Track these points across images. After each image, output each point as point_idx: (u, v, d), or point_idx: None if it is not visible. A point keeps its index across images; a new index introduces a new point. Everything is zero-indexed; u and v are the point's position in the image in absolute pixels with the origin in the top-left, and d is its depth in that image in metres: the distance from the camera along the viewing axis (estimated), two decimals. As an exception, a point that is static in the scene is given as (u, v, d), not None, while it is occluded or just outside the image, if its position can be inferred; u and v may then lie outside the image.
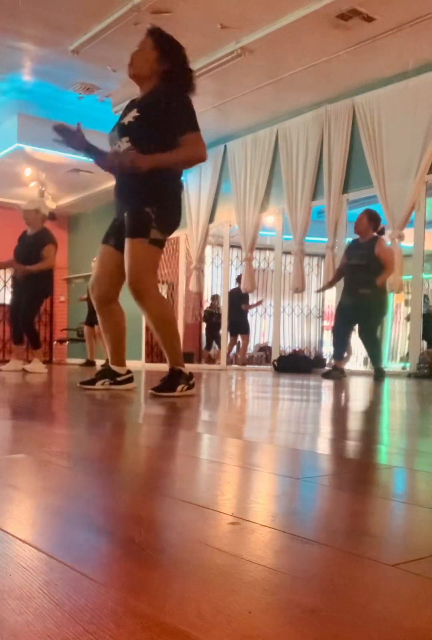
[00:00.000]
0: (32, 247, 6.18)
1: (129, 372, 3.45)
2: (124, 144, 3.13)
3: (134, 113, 3.15)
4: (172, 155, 3.05)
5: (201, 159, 3.13)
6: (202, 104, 8.01)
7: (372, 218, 6.02)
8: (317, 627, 0.51)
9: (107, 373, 3.42)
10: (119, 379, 3.38)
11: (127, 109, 3.24)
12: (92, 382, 3.39)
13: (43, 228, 6.32)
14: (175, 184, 3.22)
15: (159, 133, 3.08)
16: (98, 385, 3.37)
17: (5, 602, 0.55)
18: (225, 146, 9.42)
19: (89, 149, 3.30)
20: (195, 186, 9.87)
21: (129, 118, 3.16)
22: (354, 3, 5.86)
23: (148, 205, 3.09)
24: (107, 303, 3.31)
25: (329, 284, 6.96)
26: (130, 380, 3.44)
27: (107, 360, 3.53)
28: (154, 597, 0.56)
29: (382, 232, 6.14)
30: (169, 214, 3.18)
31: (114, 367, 3.40)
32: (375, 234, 6.02)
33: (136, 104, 3.21)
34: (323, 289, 7.60)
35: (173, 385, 3.13)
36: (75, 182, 10.61)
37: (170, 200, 3.18)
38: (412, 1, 5.85)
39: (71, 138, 3.23)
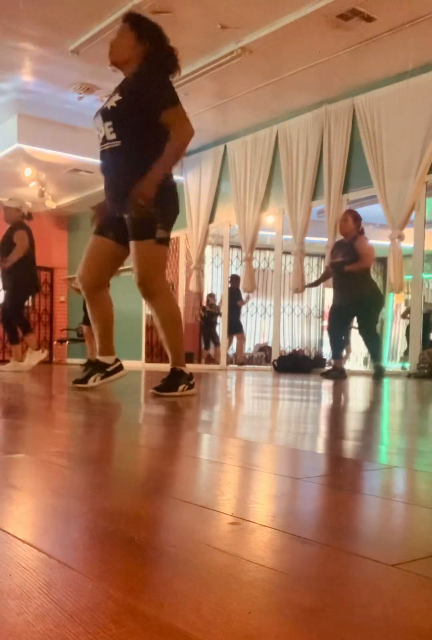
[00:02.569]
0: (6, 239, 6.57)
1: (117, 360, 3.44)
2: (107, 128, 3.15)
3: (116, 97, 3.16)
4: (168, 153, 3.05)
5: (191, 134, 3.11)
6: (202, 104, 8.03)
7: (357, 218, 6.35)
8: (317, 627, 0.51)
9: (96, 367, 3.42)
10: (108, 369, 3.38)
11: (111, 95, 3.25)
12: (84, 380, 3.39)
13: (17, 220, 6.60)
14: (170, 176, 3.21)
15: (141, 113, 3.08)
16: (90, 382, 3.37)
17: (5, 602, 0.55)
18: (225, 146, 9.41)
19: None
20: (195, 186, 9.87)
21: (112, 103, 3.17)
22: (354, 3, 5.85)
23: (152, 206, 3.08)
24: (95, 290, 3.32)
25: (316, 283, 7.61)
26: (119, 368, 3.44)
27: (88, 359, 3.53)
28: (154, 597, 0.56)
29: (362, 232, 6.38)
30: (171, 209, 3.19)
31: (101, 358, 3.39)
32: (356, 233, 6.32)
33: (118, 88, 3.22)
34: (310, 285, 8.07)
35: (175, 384, 3.14)
36: (75, 182, 10.60)
37: (170, 195, 3.17)
38: (412, 1, 5.85)
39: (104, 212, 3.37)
